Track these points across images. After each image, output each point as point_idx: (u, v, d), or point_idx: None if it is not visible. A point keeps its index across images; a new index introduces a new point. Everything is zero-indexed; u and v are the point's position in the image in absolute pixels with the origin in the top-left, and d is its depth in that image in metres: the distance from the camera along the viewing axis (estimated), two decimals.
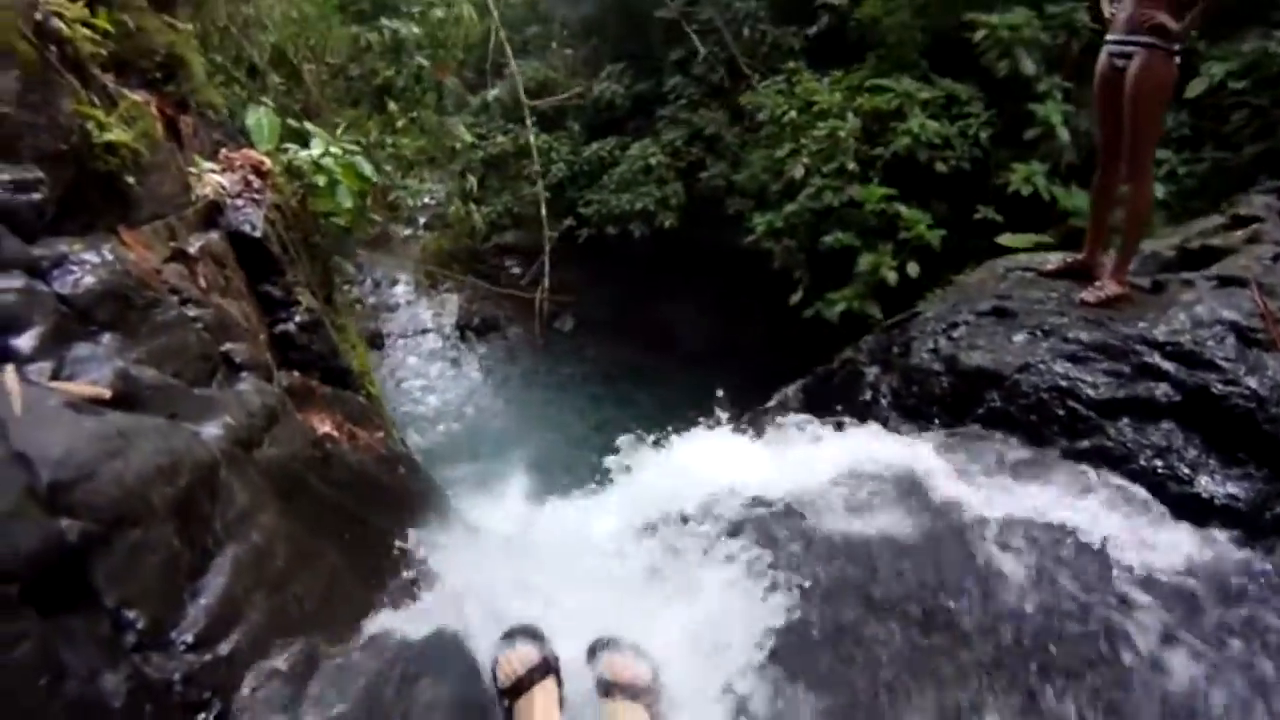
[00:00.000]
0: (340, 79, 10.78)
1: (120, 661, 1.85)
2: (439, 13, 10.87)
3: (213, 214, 4.28)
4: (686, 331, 13.03)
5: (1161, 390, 3.46)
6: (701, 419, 4.13)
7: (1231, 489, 3.14)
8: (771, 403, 5.03)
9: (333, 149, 5.66)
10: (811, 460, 3.66)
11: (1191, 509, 3.09)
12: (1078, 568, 2.79)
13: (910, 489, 3.27)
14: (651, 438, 4.01)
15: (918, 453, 3.55)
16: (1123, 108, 3.95)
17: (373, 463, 4.10)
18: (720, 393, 4.17)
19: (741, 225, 11.51)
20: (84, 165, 3.22)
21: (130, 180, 3.52)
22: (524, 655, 2.47)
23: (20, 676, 1.61)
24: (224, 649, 2.12)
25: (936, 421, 3.97)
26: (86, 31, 3.58)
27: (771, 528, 3.16)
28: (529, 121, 14.25)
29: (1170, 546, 2.89)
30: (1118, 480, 3.23)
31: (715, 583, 2.95)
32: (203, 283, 3.76)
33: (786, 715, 2.40)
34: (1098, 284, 4.12)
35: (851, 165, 9.99)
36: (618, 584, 3.09)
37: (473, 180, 13.88)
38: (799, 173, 10.29)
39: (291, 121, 6.18)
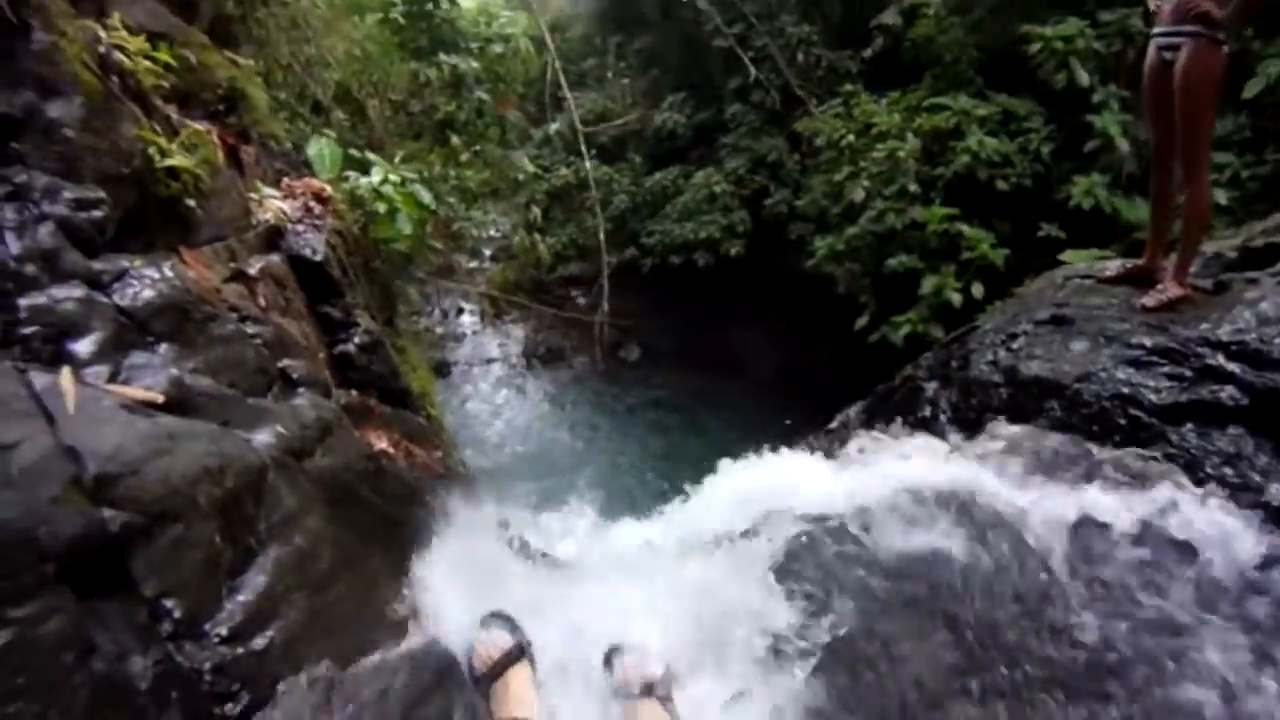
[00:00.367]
0: (402, 114, 11.00)
1: (151, 647, 1.88)
2: (497, 48, 11.05)
3: (274, 238, 4.37)
4: (752, 359, 13.02)
5: (1227, 393, 3.30)
6: (766, 444, 4.12)
7: None
8: (834, 424, 5.00)
9: (392, 177, 5.76)
10: (870, 476, 3.62)
11: (1262, 517, 2.91)
12: (1145, 577, 2.72)
13: (969, 501, 3.20)
14: (716, 462, 4.02)
15: (977, 464, 3.50)
16: (1173, 102, 3.90)
17: (429, 480, 4.13)
18: (780, 422, 4.17)
19: (805, 251, 11.50)
20: (146, 188, 3.33)
21: (191, 203, 3.62)
22: (499, 640, 2.51)
23: (49, 650, 1.65)
24: (259, 644, 2.14)
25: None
26: (148, 64, 3.73)
27: (829, 544, 3.13)
28: (585, 151, 14.37)
29: (1242, 558, 2.77)
30: (1187, 486, 3.09)
31: (771, 599, 2.93)
32: (262, 302, 3.84)
33: None
34: (1159, 287, 4.02)
35: (912, 186, 9.97)
36: (672, 607, 3.08)
37: (537, 212, 14.05)
38: (859, 196, 10.30)
39: (354, 152, 6.31)
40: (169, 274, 3.07)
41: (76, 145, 2.93)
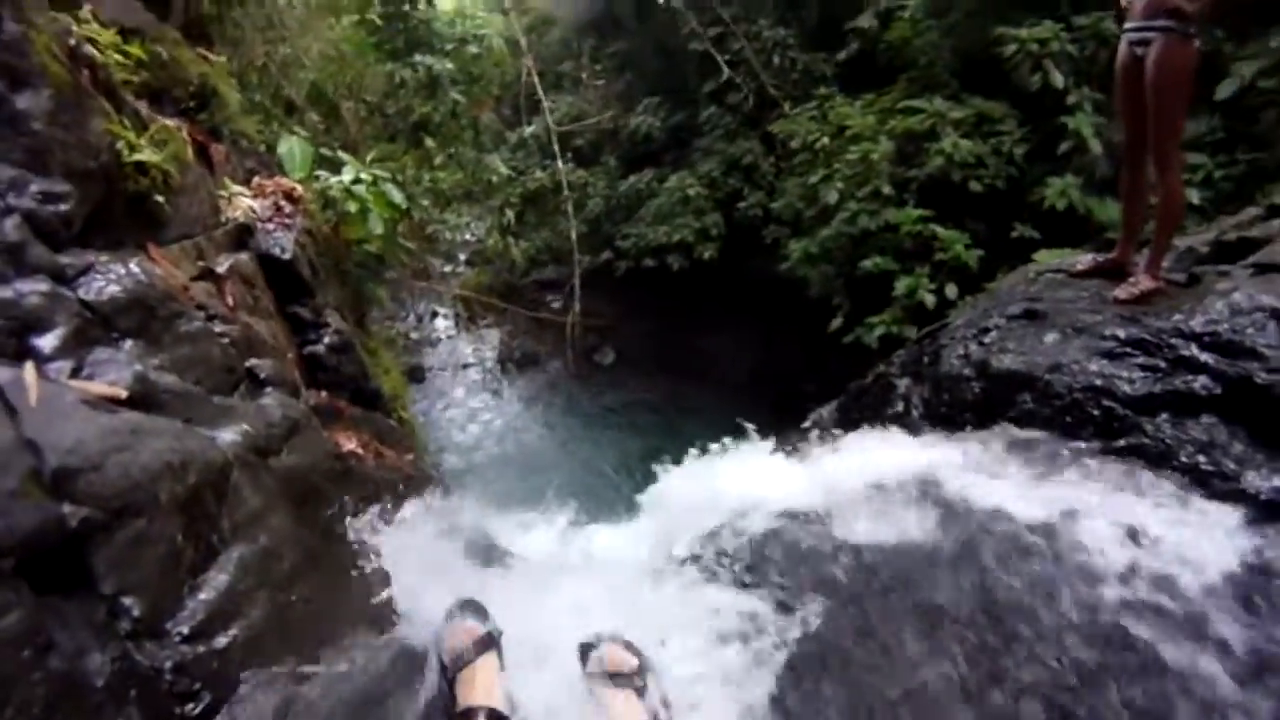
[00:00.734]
0: (377, 116, 10.95)
1: (110, 644, 1.86)
2: (473, 49, 11.01)
3: (243, 236, 4.34)
4: (727, 362, 13.02)
5: (1200, 383, 3.29)
6: (738, 444, 4.11)
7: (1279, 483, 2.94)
8: (807, 423, 4.99)
9: (364, 176, 5.73)
10: (840, 471, 3.62)
11: (1239, 506, 2.90)
12: (1115, 568, 2.71)
13: (940, 494, 3.20)
14: (686, 460, 4.00)
15: (948, 457, 3.49)
16: (1145, 97, 3.91)
17: (400, 481, 4.11)
18: (754, 423, 4.15)
19: (779, 254, 11.52)
20: (114, 183, 3.31)
21: (159, 200, 3.60)
22: (468, 630, 2.47)
23: (5, 646, 1.63)
24: (220, 642, 2.12)
25: (968, 428, 3.90)
26: (119, 58, 3.70)
27: (801, 538, 3.13)
28: (558, 153, 14.38)
29: (1216, 544, 2.76)
30: (1159, 477, 3.09)
31: (742, 594, 2.92)
32: (230, 300, 3.80)
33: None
34: (1131, 280, 4.03)
35: (886, 188, 9.99)
36: (644, 603, 3.07)
37: (511, 215, 14.02)
38: (833, 198, 10.31)
39: (325, 152, 6.27)
40: (135, 270, 3.05)
41: (44, 138, 2.91)
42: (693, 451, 4.11)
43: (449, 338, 15.48)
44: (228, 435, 2.73)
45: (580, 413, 13.27)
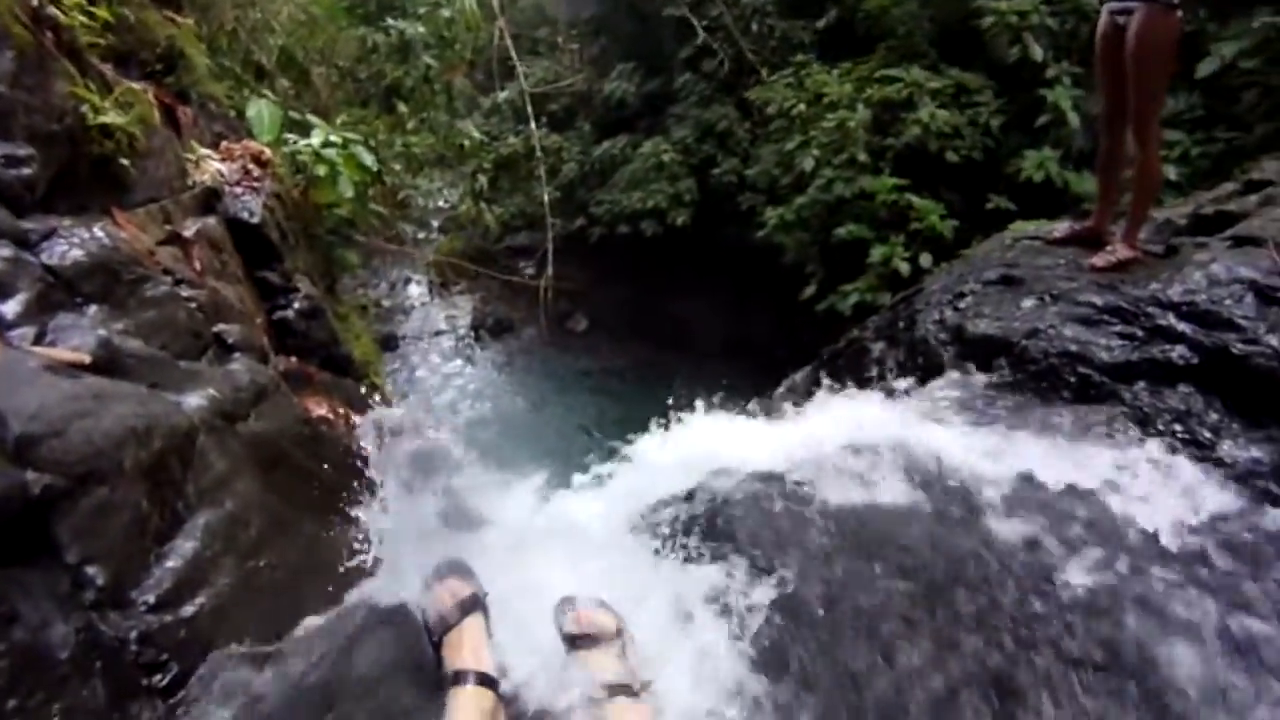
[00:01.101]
0: (349, 81, 10.81)
1: (74, 615, 1.83)
2: (445, 12, 10.87)
3: (210, 200, 4.29)
4: (701, 328, 13.01)
5: (1178, 352, 3.32)
6: (711, 409, 4.08)
7: (1255, 453, 2.98)
8: (781, 388, 4.98)
9: (333, 138, 5.65)
10: (813, 433, 3.58)
11: (1214, 474, 2.93)
12: (1089, 528, 2.71)
13: (912, 453, 3.17)
14: (659, 424, 3.97)
15: (920, 415, 3.49)
16: (1125, 68, 3.89)
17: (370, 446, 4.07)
18: (727, 389, 4.11)
19: (754, 221, 11.49)
20: (78, 146, 3.27)
21: (125, 163, 3.57)
22: (453, 590, 2.43)
23: None
24: (187, 611, 2.09)
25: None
26: (84, 20, 3.64)
27: (775, 500, 3.10)
28: (531, 118, 14.22)
29: (1192, 510, 2.77)
30: (1135, 441, 3.10)
31: (715, 558, 2.90)
32: (197, 265, 3.75)
33: (785, 684, 2.36)
34: (1109, 248, 4.03)
35: (862, 156, 9.95)
36: (618, 567, 3.05)
37: (483, 180, 13.91)
38: (809, 165, 10.26)
39: (294, 114, 6.19)
40: (99, 234, 3.02)
41: (7, 100, 2.89)
42: (666, 416, 4.09)
43: (422, 305, 15.38)
44: (193, 400, 2.69)
45: (554, 378, 13.24)
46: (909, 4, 10.51)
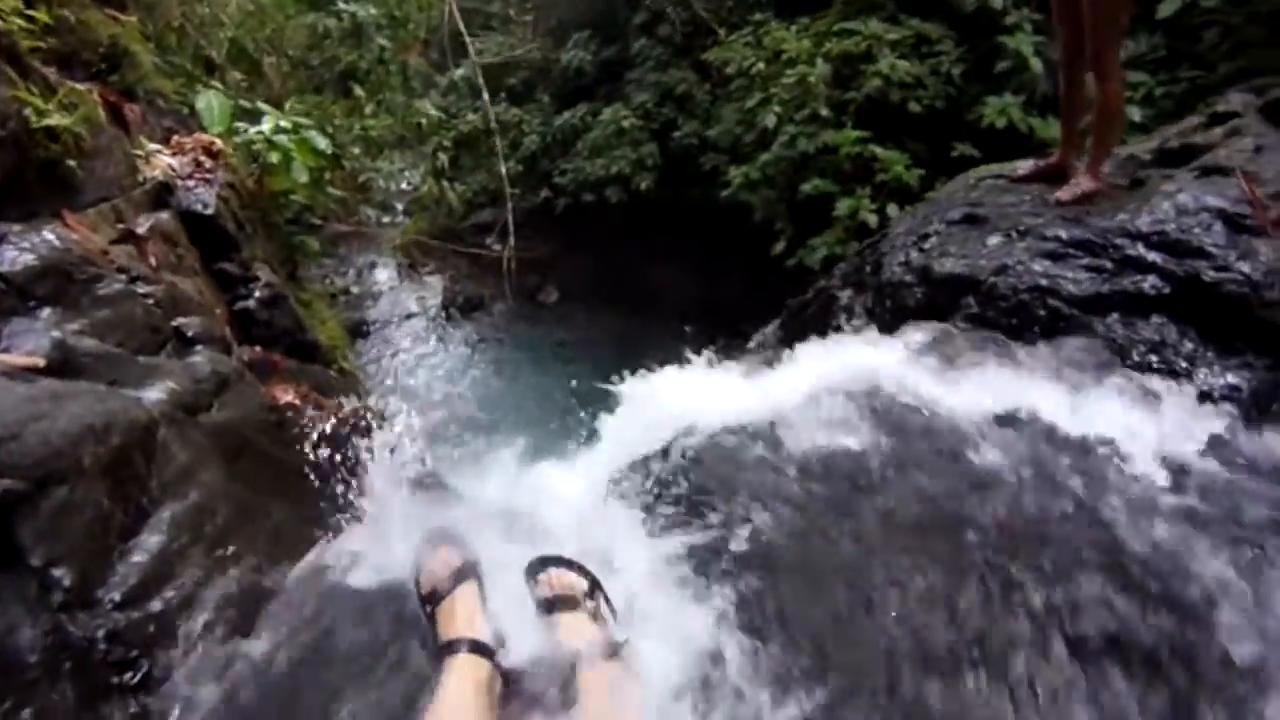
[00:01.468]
0: (302, 69, 10.71)
1: (41, 617, 1.81)
2: None
3: (162, 195, 4.26)
4: (671, 293, 12.98)
5: (1150, 283, 3.32)
6: (682, 367, 4.07)
7: (1231, 379, 3.01)
8: (751, 343, 4.97)
9: (283, 124, 5.59)
10: (783, 383, 3.57)
11: (1193, 401, 2.96)
12: (1070, 463, 2.72)
13: (885, 396, 3.16)
14: (629, 384, 3.96)
15: (892, 356, 3.48)
16: (1082, 10, 3.85)
17: (342, 430, 4.05)
18: (700, 349, 4.09)
19: (718, 181, 11.46)
20: (24, 151, 3.26)
21: (72, 165, 3.56)
22: (446, 559, 2.42)
23: None
24: (155, 606, 2.07)
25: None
26: (22, 23, 3.61)
27: (748, 452, 3.09)
28: (485, 93, 14.16)
29: (1174, 439, 2.78)
30: (1109, 371, 3.12)
31: (688, 514, 2.89)
32: (153, 260, 3.72)
33: (763, 637, 2.35)
34: (1073, 181, 4.02)
35: (824, 111, 9.91)
36: (594, 529, 3.04)
37: (444, 158, 13.82)
38: (771, 122, 10.22)
39: (244, 103, 6.12)
40: (49, 237, 3.02)
41: None
42: (637, 375, 4.07)
43: (391, 289, 15.24)
44: (153, 394, 2.67)
45: (528, 350, 13.20)
46: None
